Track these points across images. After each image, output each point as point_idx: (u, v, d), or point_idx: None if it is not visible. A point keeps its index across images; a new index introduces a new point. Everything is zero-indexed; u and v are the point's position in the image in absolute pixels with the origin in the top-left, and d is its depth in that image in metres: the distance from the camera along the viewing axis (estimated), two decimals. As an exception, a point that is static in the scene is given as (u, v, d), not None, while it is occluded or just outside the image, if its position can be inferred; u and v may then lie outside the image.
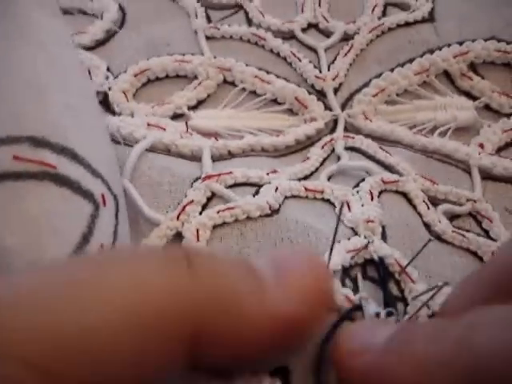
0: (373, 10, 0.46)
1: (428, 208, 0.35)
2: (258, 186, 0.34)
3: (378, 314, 0.27)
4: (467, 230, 0.35)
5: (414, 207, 0.35)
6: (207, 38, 0.43)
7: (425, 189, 0.36)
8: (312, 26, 0.45)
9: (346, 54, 0.43)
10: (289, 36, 0.44)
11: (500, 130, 0.41)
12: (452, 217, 0.36)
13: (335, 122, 0.41)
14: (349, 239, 0.31)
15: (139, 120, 0.37)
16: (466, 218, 0.36)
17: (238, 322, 0.21)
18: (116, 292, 0.20)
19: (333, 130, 0.40)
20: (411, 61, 0.43)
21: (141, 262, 0.21)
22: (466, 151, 0.39)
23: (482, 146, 0.40)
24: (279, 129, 0.40)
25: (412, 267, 0.30)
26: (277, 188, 0.33)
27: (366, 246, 0.30)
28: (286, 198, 0.33)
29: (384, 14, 0.46)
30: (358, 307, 0.27)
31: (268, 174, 0.35)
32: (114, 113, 0.38)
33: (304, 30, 0.45)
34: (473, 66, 0.44)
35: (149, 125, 0.37)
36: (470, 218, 0.36)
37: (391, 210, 0.34)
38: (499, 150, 0.40)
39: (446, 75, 0.43)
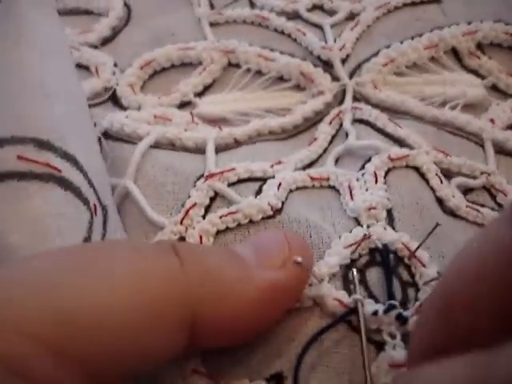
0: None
1: (441, 182, 0.34)
2: (262, 180, 0.33)
3: (376, 313, 0.26)
4: (481, 205, 0.34)
5: (427, 182, 0.34)
6: (211, 24, 0.43)
7: (438, 161, 0.35)
8: (317, 8, 0.45)
9: (352, 29, 0.42)
10: (293, 16, 0.44)
11: (509, 109, 0.40)
12: (465, 190, 0.35)
13: (343, 94, 0.40)
14: (350, 232, 0.30)
15: (145, 113, 0.37)
16: (480, 191, 0.35)
17: (229, 297, 0.23)
18: (119, 279, 0.22)
19: (341, 102, 0.39)
20: (420, 35, 0.42)
21: (137, 252, 0.23)
22: (478, 124, 0.38)
23: (492, 121, 0.39)
24: (287, 107, 0.39)
25: (423, 249, 0.30)
26: (280, 184, 0.33)
27: (364, 238, 0.30)
28: (291, 191, 0.33)
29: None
30: (353, 310, 0.26)
31: (272, 166, 0.34)
32: (122, 107, 0.39)
33: (309, 11, 0.44)
34: (480, 47, 0.43)
35: (155, 117, 0.37)
36: (484, 191, 0.35)
37: (399, 190, 0.33)
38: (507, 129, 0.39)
39: (454, 53, 0.42)
